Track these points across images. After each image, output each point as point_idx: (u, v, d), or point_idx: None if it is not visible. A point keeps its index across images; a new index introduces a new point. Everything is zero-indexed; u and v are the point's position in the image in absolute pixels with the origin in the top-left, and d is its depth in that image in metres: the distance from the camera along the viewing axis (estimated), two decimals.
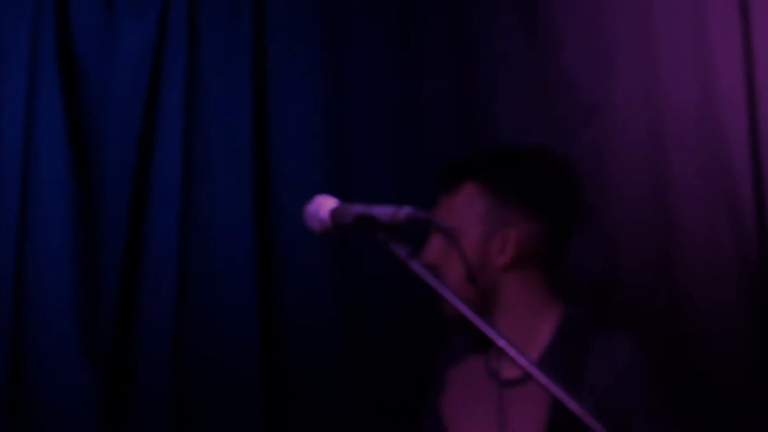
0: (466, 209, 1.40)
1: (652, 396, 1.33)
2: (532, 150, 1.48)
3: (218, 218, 1.92)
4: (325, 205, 1.20)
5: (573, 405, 0.98)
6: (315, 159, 1.93)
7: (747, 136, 2.00)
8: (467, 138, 1.91)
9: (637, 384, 1.32)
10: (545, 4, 2.02)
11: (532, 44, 1.97)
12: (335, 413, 1.80)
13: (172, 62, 2.00)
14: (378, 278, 1.87)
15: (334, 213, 1.19)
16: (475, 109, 1.94)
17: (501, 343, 1.04)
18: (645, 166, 1.98)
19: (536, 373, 1.01)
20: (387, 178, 1.88)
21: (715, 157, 2.00)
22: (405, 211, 1.12)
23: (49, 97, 1.92)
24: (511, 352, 1.03)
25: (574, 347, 1.35)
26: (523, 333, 1.35)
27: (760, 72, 1.98)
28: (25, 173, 1.88)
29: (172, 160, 1.94)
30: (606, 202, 1.95)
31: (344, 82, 1.95)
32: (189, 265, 1.89)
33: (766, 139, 2.00)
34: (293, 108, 1.96)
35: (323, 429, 1.80)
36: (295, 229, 1.82)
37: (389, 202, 1.17)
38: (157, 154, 1.94)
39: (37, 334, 1.83)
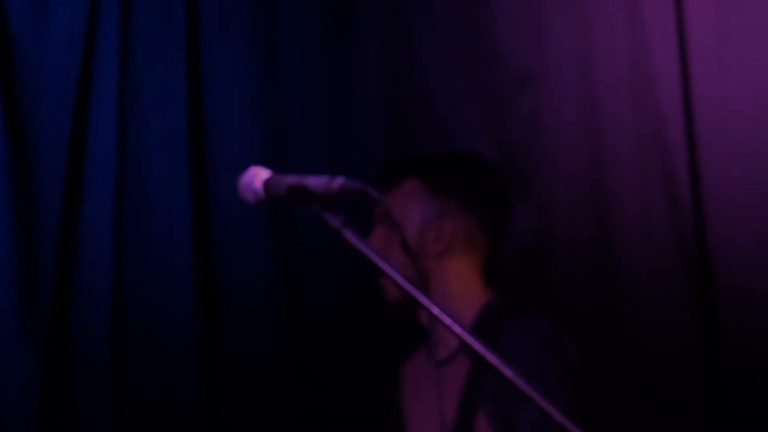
0: (408, 202, 1.56)
1: (555, 376, 1.43)
2: (468, 153, 1.72)
3: (155, 195, 1.93)
4: (258, 176, 1.21)
5: (506, 371, 1.06)
6: (251, 134, 1.95)
7: (681, 103, 2.06)
8: (401, 111, 1.93)
9: (538, 364, 1.40)
10: None
11: (466, 16, 1.99)
12: (275, 390, 1.84)
13: (106, 33, 1.98)
14: (318, 253, 1.90)
15: (267, 184, 1.20)
16: (409, 82, 1.96)
17: (435, 310, 1.10)
18: (580, 136, 2.04)
19: (470, 339, 1.08)
20: (323, 152, 1.90)
21: (649, 126, 2.06)
22: (338, 182, 1.13)
23: None
24: (446, 320, 1.10)
25: (489, 330, 1.45)
26: (456, 316, 1.41)
27: (693, 40, 2.03)
28: None
29: (107, 135, 1.93)
30: (541, 170, 2.01)
31: (279, 56, 1.96)
32: (126, 243, 1.90)
33: (700, 108, 2.05)
34: (228, 81, 1.96)
35: (264, 405, 1.84)
36: (232, 206, 1.83)
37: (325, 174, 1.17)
38: (91, 129, 1.93)
39: None
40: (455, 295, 1.55)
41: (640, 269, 2.07)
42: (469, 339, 1.08)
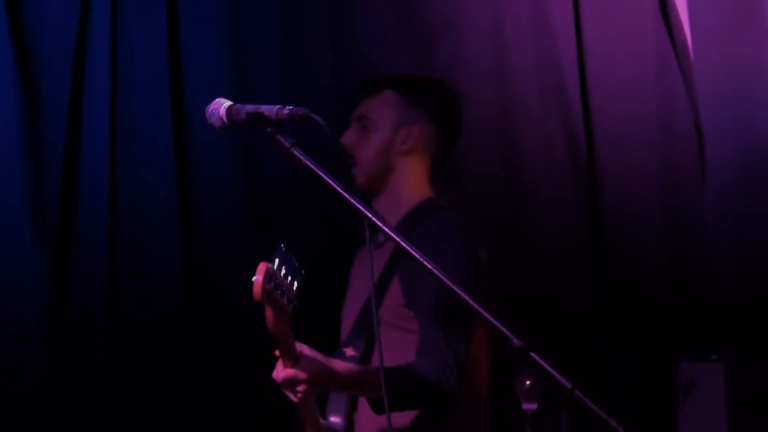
0: (384, 108, 1.82)
1: (457, 258, 1.69)
2: (437, 79, 1.96)
3: (142, 125, 2.30)
4: (222, 105, 1.42)
5: (413, 249, 1.32)
6: (220, 74, 2.30)
7: (575, 43, 2.44)
8: (343, 51, 2.31)
9: (445, 246, 1.68)
10: None
11: None
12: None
13: None
14: (277, 173, 2.30)
15: (229, 111, 1.41)
16: (349, 28, 2.35)
17: (369, 214, 1.36)
18: (491, 81, 2.40)
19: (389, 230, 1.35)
20: (280, 85, 2.28)
21: (549, 74, 2.42)
22: (287, 109, 1.37)
23: None
24: (376, 220, 1.37)
25: (418, 217, 1.77)
26: (397, 205, 1.78)
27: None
28: None
29: (101, 77, 2.28)
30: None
31: (242, 8, 2.32)
32: (118, 163, 2.26)
33: (591, 55, 2.45)
34: (201, 29, 2.33)
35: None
36: (206, 134, 2.22)
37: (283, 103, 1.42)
38: (88, 70, 2.28)
39: None
40: (407, 188, 1.82)
41: (542, 195, 2.47)
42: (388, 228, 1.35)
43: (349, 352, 1.75)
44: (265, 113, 1.37)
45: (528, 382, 1.53)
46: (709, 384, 2.29)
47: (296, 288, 1.41)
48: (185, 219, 2.26)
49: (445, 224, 1.75)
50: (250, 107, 1.39)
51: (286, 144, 1.37)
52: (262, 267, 1.31)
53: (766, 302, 2.34)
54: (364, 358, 1.71)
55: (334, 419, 1.74)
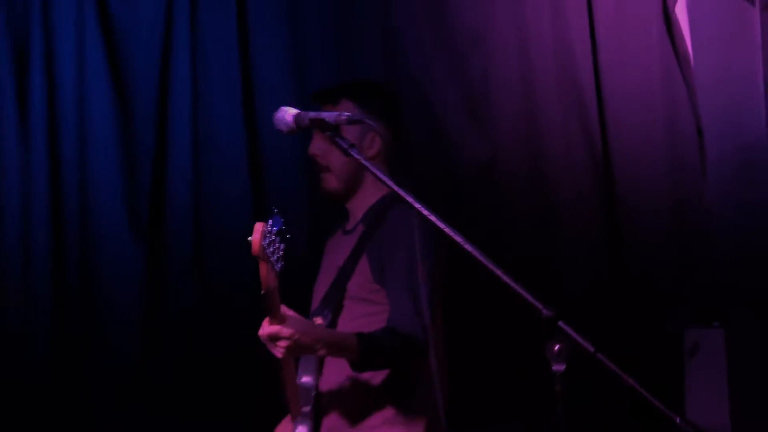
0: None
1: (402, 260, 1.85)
2: (380, 83, 2.17)
3: (219, 126, 2.66)
4: (289, 112, 1.61)
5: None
6: (284, 83, 2.68)
7: (591, 58, 2.77)
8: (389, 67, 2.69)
9: (395, 227, 1.89)
10: None
11: None
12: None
13: (180, 10, 2.68)
14: None
15: (296, 117, 1.60)
16: (393, 45, 2.71)
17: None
18: (519, 90, 2.74)
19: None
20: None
21: (570, 82, 2.75)
22: (345, 115, 1.57)
23: (93, 38, 2.59)
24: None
25: (383, 208, 1.98)
26: (365, 201, 2.01)
27: (598, 14, 2.76)
28: (80, 101, 2.57)
29: (183, 87, 2.64)
30: (491, 118, 2.74)
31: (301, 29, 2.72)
32: (200, 164, 2.63)
33: (605, 67, 2.80)
34: (268, 45, 2.70)
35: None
36: (275, 141, 2.58)
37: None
38: (172, 82, 2.63)
39: (97, 217, 2.56)
40: (372, 188, 2.00)
41: (564, 191, 2.81)
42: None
43: (318, 320, 1.91)
44: (326, 119, 1.57)
45: (557, 347, 1.65)
46: (711, 347, 2.60)
47: (282, 250, 1.57)
48: (258, 213, 2.60)
49: (405, 214, 1.84)
50: (312, 114, 1.59)
51: (344, 145, 1.55)
52: (258, 226, 1.49)
53: (761, 279, 2.68)
54: (331, 326, 1.91)
55: (306, 379, 1.94)
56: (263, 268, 1.56)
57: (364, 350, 1.72)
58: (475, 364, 2.48)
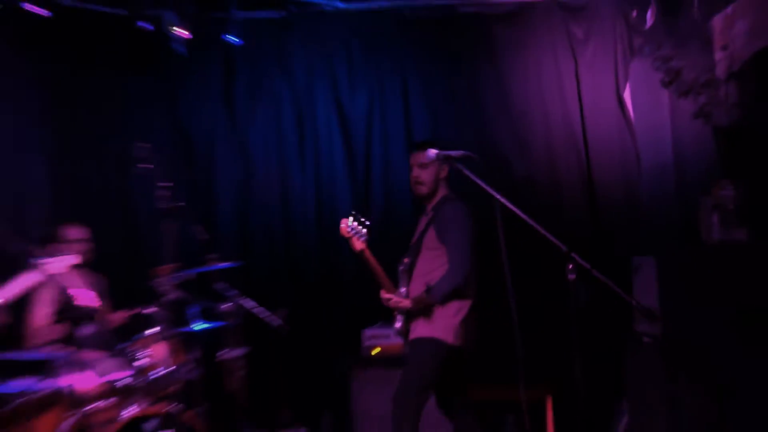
0: (427, 158, 3.59)
1: (455, 222, 3.60)
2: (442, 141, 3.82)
3: (391, 162, 5.42)
4: (432, 151, 3.33)
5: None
6: (430, 130, 5.29)
7: (579, 118, 5.22)
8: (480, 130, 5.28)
9: (451, 216, 3.64)
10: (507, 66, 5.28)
11: (499, 79, 5.19)
12: None
13: (376, 107, 5.39)
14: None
15: (437, 155, 3.34)
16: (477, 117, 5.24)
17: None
18: (542, 135, 5.21)
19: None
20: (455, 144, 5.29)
21: (568, 129, 5.22)
22: (461, 152, 3.25)
23: (334, 114, 5.39)
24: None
25: (443, 202, 3.76)
26: (435, 199, 3.80)
27: (585, 99, 5.29)
28: (329, 146, 5.37)
29: (378, 142, 5.35)
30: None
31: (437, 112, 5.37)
32: (390, 180, 5.36)
33: (589, 122, 5.26)
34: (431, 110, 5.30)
35: None
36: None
37: None
38: (373, 140, 5.39)
39: (335, 211, 5.34)
40: (442, 191, 3.70)
41: (565, 185, 5.24)
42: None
43: (406, 260, 3.65)
44: (452, 155, 3.25)
45: (570, 266, 2.86)
46: (648, 269, 3.80)
47: (363, 232, 3.46)
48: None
49: (454, 206, 3.72)
50: (446, 152, 3.27)
51: (469, 174, 3.07)
52: (344, 221, 3.55)
53: (674, 226, 4.85)
54: (412, 263, 3.67)
55: (397, 324, 3.77)
56: (351, 243, 3.51)
57: (435, 296, 3.54)
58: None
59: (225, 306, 4.37)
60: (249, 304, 4.38)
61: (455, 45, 5.26)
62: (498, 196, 2.89)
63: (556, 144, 5.19)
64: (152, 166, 3.58)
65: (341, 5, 5.29)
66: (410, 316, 3.69)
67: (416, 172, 3.77)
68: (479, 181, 2.95)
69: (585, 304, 3.04)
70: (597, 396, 4.40)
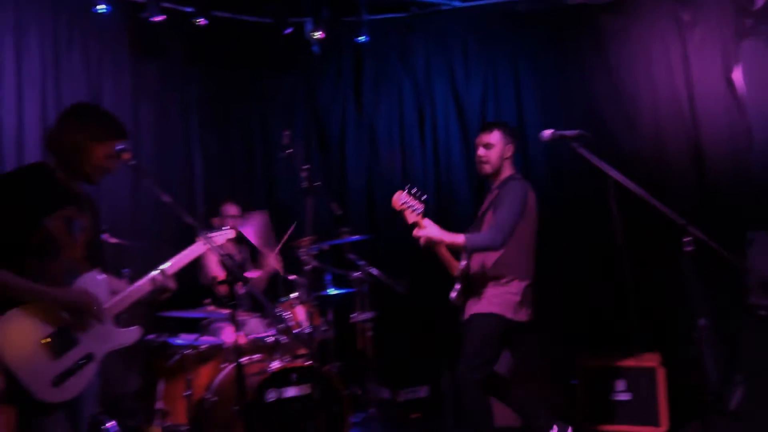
0: (496, 138, 3.69)
1: (512, 198, 3.53)
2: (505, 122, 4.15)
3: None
4: (548, 132, 3.02)
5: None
6: (540, 114, 5.28)
7: (687, 96, 4.98)
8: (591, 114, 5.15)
9: (510, 192, 3.57)
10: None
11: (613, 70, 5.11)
12: None
13: (490, 94, 5.42)
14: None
15: (553, 134, 3.01)
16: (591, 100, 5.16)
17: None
18: (650, 114, 5.01)
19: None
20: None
21: (676, 107, 5.00)
22: (578, 131, 2.92)
23: (452, 104, 5.53)
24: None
25: (508, 180, 3.70)
26: (499, 178, 3.72)
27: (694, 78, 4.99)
28: (446, 131, 5.40)
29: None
30: (637, 126, 5.07)
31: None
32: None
33: (698, 98, 4.98)
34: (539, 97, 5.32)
35: None
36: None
37: None
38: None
39: (453, 186, 5.34)
40: (506, 169, 3.66)
41: (674, 156, 4.98)
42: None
43: (473, 230, 3.61)
44: (567, 134, 3.01)
45: (686, 239, 2.81)
46: (762, 242, 3.85)
47: (417, 204, 3.28)
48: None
49: (515, 184, 3.65)
50: (560, 132, 3.00)
51: (583, 152, 2.89)
52: (398, 193, 3.32)
53: None
54: (476, 225, 3.69)
55: (452, 294, 3.61)
56: (405, 216, 3.39)
57: (466, 243, 3.47)
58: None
59: (355, 274, 4.60)
60: (376, 272, 4.59)
61: (564, 35, 5.33)
62: (612, 173, 2.76)
63: (664, 123, 5.05)
64: (294, 150, 3.62)
65: (458, 3, 5.55)
66: (467, 289, 3.60)
67: (482, 151, 3.71)
68: (593, 159, 2.81)
69: (699, 276, 2.83)
70: (711, 367, 4.10)
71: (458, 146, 5.52)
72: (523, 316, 3.55)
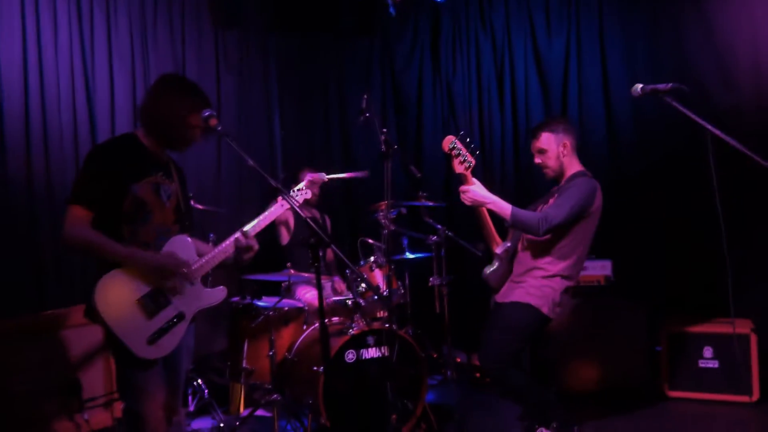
0: (546, 141, 3.46)
1: (577, 192, 3.30)
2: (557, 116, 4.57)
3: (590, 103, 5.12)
4: (639, 86, 2.71)
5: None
6: (628, 72, 5.10)
7: None
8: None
9: (575, 187, 3.35)
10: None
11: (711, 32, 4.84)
12: None
13: (572, 49, 5.29)
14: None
15: (643, 89, 2.70)
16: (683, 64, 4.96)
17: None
18: (750, 63, 4.68)
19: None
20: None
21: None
22: (670, 85, 2.56)
23: (531, 61, 5.38)
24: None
25: (573, 178, 3.46)
26: (564, 177, 3.57)
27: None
28: (526, 92, 5.25)
29: (573, 84, 5.30)
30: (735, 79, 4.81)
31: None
32: (583, 120, 5.19)
33: None
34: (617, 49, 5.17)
35: None
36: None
37: None
38: (570, 82, 5.31)
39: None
40: (570, 167, 3.44)
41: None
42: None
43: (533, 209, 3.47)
44: (660, 88, 2.67)
45: None
46: None
47: (467, 152, 3.09)
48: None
49: (582, 181, 3.41)
50: (651, 86, 2.70)
51: (676, 104, 2.57)
52: (449, 137, 3.11)
53: None
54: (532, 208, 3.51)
55: (487, 271, 3.50)
56: (452, 162, 3.22)
57: (511, 214, 3.28)
58: None
59: (433, 238, 4.62)
60: (453, 236, 4.62)
61: None
62: (709, 127, 2.57)
63: (765, 73, 4.72)
64: (370, 115, 3.59)
65: None
66: (505, 272, 3.47)
67: (537, 158, 3.55)
68: (689, 113, 2.62)
69: None
70: None
71: (539, 108, 5.43)
72: (555, 315, 3.39)
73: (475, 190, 3.22)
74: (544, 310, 3.34)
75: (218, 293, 2.76)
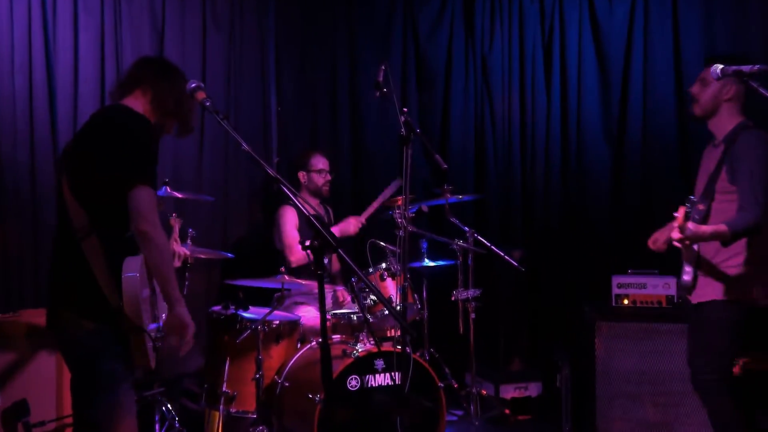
0: (710, 80, 3.38)
1: (754, 152, 3.27)
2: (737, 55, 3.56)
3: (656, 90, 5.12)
4: (718, 66, 2.93)
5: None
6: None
7: None
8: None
9: (747, 147, 3.30)
10: None
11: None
12: None
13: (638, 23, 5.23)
14: None
15: (722, 70, 2.92)
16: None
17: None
18: None
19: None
20: None
21: None
22: (757, 67, 2.72)
23: (588, 32, 5.35)
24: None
25: (737, 132, 3.38)
26: (723, 125, 3.44)
27: None
28: (579, 69, 5.26)
29: (637, 63, 5.26)
30: None
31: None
32: (648, 109, 5.17)
33: None
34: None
35: None
36: None
37: None
38: (632, 62, 5.28)
39: (586, 133, 5.31)
40: (733, 117, 3.40)
41: None
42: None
43: (701, 206, 3.35)
44: (744, 70, 2.84)
45: None
46: None
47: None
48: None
49: (752, 135, 3.32)
50: (734, 67, 2.87)
51: (762, 90, 2.70)
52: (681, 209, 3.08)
53: None
54: (707, 210, 3.36)
55: (686, 278, 3.39)
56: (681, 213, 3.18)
57: (732, 235, 3.23)
58: None
59: (459, 242, 4.53)
60: (484, 241, 4.52)
61: None
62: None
63: None
64: (388, 90, 3.55)
65: None
66: (700, 269, 3.48)
67: (695, 88, 3.59)
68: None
69: None
70: None
71: (594, 88, 5.32)
72: (761, 298, 3.42)
73: (693, 230, 3.20)
74: (747, 299, 3.41)
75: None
